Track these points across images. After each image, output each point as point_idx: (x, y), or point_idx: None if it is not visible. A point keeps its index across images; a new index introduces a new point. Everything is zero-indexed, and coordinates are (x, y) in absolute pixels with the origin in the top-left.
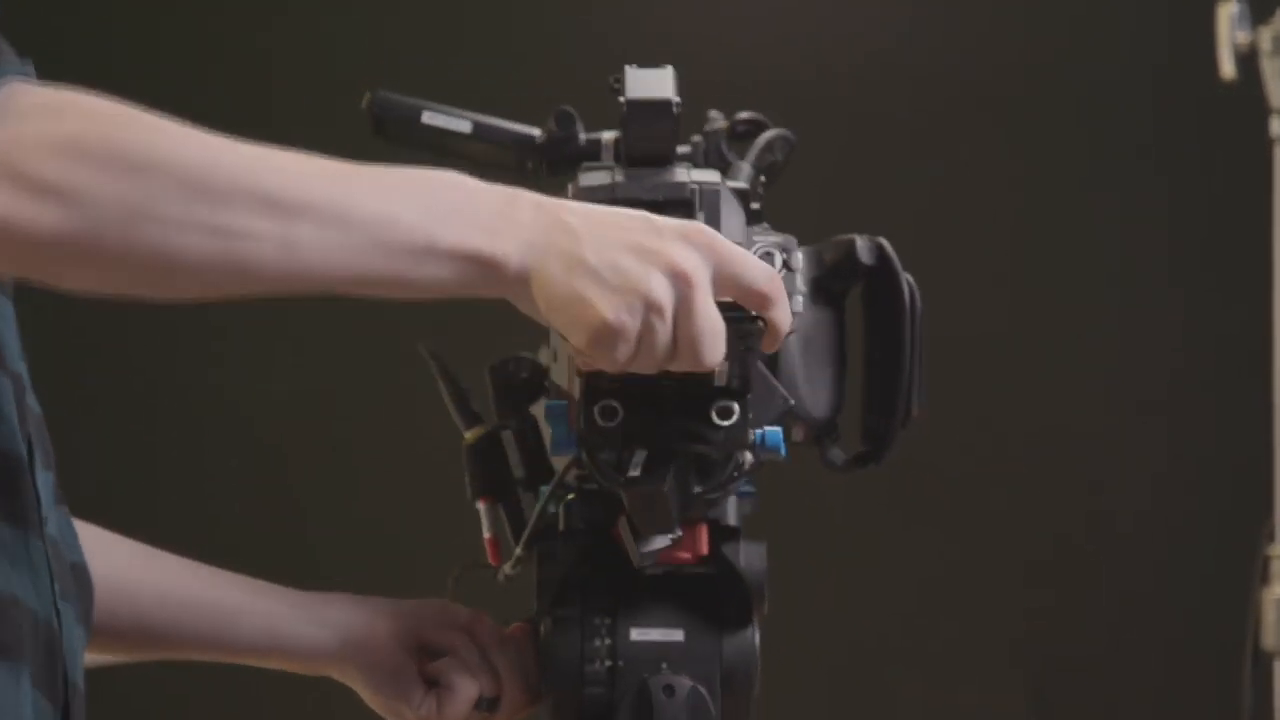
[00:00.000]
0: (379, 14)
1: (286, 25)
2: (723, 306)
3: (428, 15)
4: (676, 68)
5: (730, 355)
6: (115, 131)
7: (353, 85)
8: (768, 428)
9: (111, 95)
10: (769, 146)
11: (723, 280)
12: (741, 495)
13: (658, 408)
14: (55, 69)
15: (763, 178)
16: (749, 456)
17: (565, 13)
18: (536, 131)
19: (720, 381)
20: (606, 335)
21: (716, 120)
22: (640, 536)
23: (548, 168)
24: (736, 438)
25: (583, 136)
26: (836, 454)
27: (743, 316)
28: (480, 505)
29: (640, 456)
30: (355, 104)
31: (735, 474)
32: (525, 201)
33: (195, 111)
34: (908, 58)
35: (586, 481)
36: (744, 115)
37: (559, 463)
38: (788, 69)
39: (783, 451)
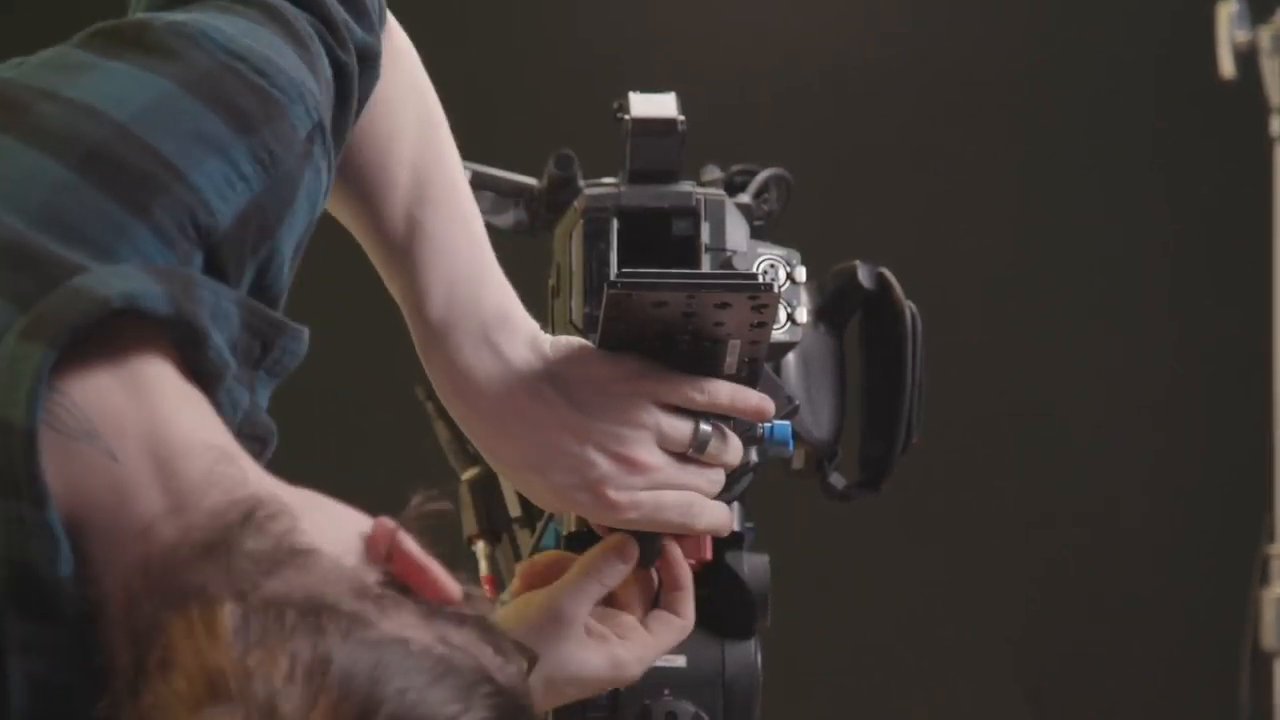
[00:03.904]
0: None
1: None
2: (737, 276)
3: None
4: (677, 67)
5: (740, 334)
6: None
7: None
8: (775, 421)
9: None
10: (765, 185)
11: None
12: (746, 531)
13: None
14: None
15: (765, 206)
16: (754, 455)
17: (566, 11)
18: (534, 181)
19: (729, 371)
20: None
21: (713, 172)
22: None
23: (548, 209)
24: (745, 430)
25: (582, 181)
26: (837, 479)
27: (758, 286)
28: (476, 545)
29: None
30: None
31: (741, 471)
32: None
33: None
34: (907, 57)
35: None
36: (739, 167)
37: None
38: (788, 69)
39: (790, 446)
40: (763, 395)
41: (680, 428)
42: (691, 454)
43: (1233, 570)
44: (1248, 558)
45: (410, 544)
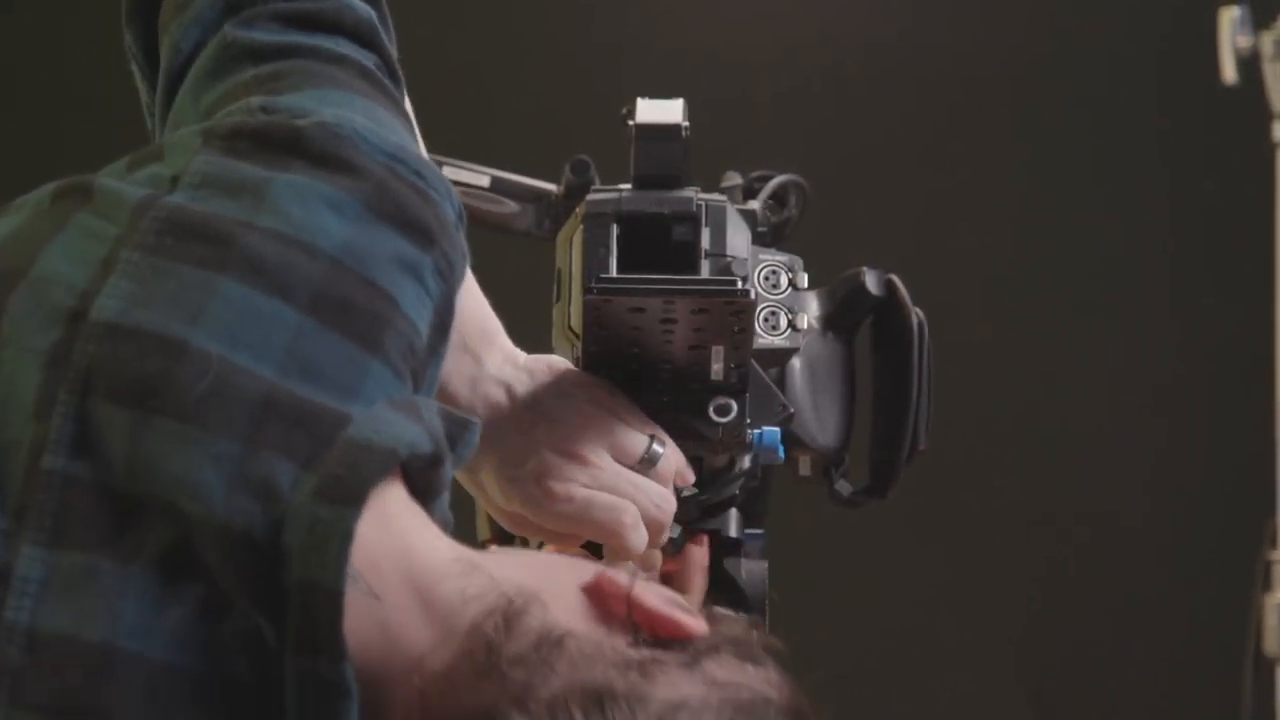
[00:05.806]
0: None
1: None
2: (713, 281)
3: (437, 37)
4: (678, 68)
5: (722, 338)
6: None
7: None
8: (765, 427)
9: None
10: (783, 191)
11: None
12: (751, 538)
13: (655, 405)
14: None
15: (771, 215)
16: (746, 461)
17: (567, 10)
18: (553, 187)
19: (718, 378)
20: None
21: (733, 178)
22: None
23: (566, 214)
24: (734, 436)
25: (599, 184)
26: (843, 486)
27: (734, 291)
28: (490, 548)
29: None
30: None
31: (730, 476)
32: None
33: None
34: (909, 58)
35: None
36: (758, 173)
37: None
38: (789, 68)
39: (781, 452)
40: (686, 465)
41: (635, 439)
42: (640, 467)
43: (1235, 571)
44: (1250, 559)
45: (649, 598)
